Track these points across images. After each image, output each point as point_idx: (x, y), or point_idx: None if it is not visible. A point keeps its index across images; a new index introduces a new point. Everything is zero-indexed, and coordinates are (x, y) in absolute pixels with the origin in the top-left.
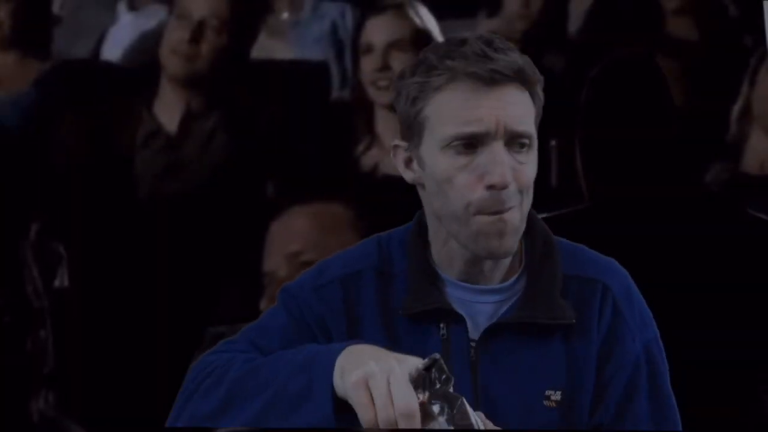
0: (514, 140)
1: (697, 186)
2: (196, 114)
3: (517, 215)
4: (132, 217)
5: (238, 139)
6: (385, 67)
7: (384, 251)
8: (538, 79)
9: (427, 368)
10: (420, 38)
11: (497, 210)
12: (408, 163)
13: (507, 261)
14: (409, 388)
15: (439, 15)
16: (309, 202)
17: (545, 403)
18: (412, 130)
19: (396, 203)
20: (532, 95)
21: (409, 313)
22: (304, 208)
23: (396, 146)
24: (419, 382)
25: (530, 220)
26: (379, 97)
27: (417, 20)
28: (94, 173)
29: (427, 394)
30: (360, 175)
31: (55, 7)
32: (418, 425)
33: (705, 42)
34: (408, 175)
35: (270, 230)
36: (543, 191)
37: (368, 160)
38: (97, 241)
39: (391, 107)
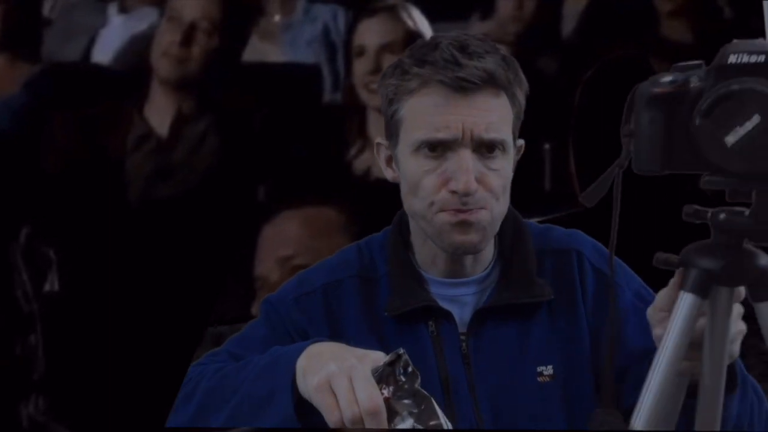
0: (483, 146)
1: (692, 189)
2: (187, 117)
3: (485, 216)
4: (123, 221)
5: (230, 142)
6: (377, 69)
7: (365, 257)
8: (517, 82)
9: (391, 363)
10: (412, 41)
11: (458, 209)
12: (389, 161)
13: (488, 254)
14: (373, 385)
15: (432, 17)
16: (301, 206)
17: (539, 379)
18: (390, 130)
19: (388, 207)
20: (511, 99)
21: (395, 313)
22: (296, 212)
23: (379, 144)
24: (383, 377)
25: None
26: (372, 100)
27: (409, 22)
28: (84, 177)
29: (391, 389)
30: (352, 179)
31: (45, 10)
32: (384, 423)
33: (699, 45)
34: (388, 174)
35: (262, 234)
36: (537, 195)
37: (360, 163)
38: (87, 246)
39: None
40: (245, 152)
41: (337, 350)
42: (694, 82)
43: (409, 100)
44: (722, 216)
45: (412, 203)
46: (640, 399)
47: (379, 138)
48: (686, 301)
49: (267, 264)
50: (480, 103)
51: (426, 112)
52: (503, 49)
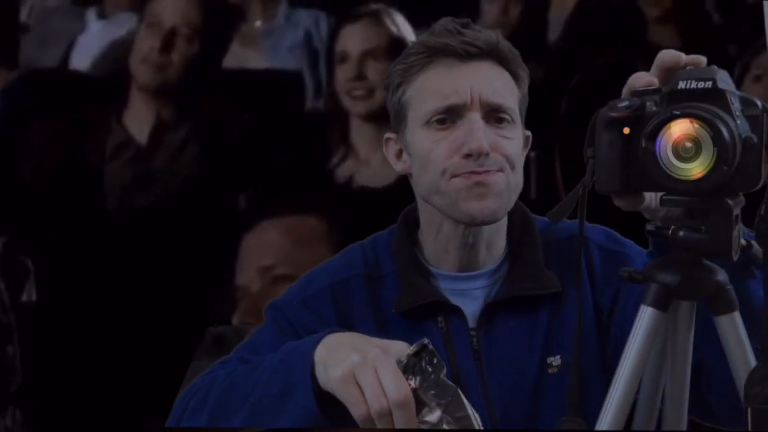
0: (492, 113)
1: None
2: (167, 124)
3: (501, 179)
4: (101, 230)
5: (210, 150)
6: (360, 76)
7: (369, 255)
8: (519, 65)
9: (416, 354)
10: (396, 46)
11: (473, 171)
12: (399, 155)
13: (500, 245)
14: (400, 376)
15: (416, 23)
16: (282, 214)
17: (549, 371)
18: (398, 117)
19: (371, 215)
20: (514, 77)
21: (403, 309)
22: (277, 221)
23: (388, 139)
24: (408, 368)
25: None
26: (355, 107)
27: (393, 28)
28: (62, 185)
29: (418, 380)
30: (334, 187)
31: (23, 15)
32: (413, 415)
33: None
34: (398, 167)
35: (242, 244)
36: (523, 203)
37: (343, 171)
38: (65, 255)
39: (367, 117)
40: (226, 160)
41: (356, 340)
42: (650, 107)
43: (416, 78)
44: (681, 233)
45: (423, 180)
46: (603, 410)
47: (387, 134)
48: (647, 314)
49: (248, 274)
50: (485, 70)
51: (434, 82)
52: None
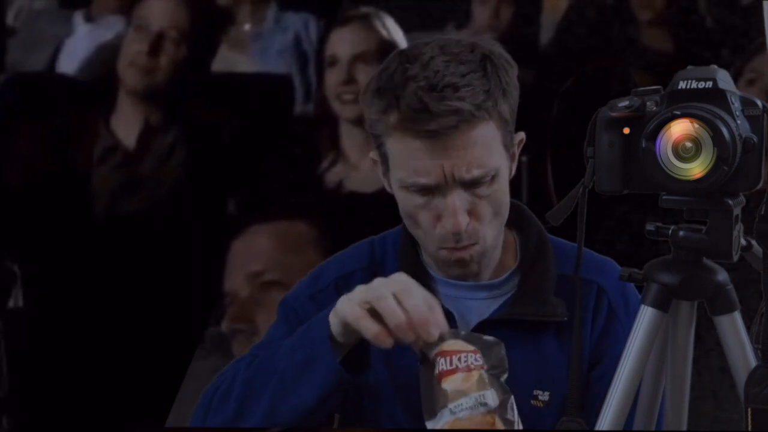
0: (471, 183)
1: None
2: (155, 129)
3: (477, 250)
4: (88, 235)
5: (199, 155)
6: (350, 80)
7: (377, 252)
8: (500, 91)
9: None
10: (386, 50)
11: (453, 247)
12: (386, 175)
13: (497, 256)
14: (425, 294)
15: (406, 26)
16: (271, 220)
17: (532, 402)
18: (379, 155)
19: (361, 220)
20: (495, 118)
21: None
22: (267, 226)
23: (374, 161)
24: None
25: (524, 217)
26: (344, 111)
27: (383, 32)
28: (49, 189)
29: (488, 363)
30: (324, 192)
31: (9, 18)
32: (442, 321)
33: (680, 54)
34: (388, 188)
35: (231, 249)
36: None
37: (333, 176)
38: (52, 260)
39: (357, 122)
40: (214, 165)
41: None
42: (650, 107)
43: (390, 138)
44: (681, 233)
45: (413, 230)
46: (603, 409)
47: (372, 153)
48: (647, 314)
49: (237, 279)
50: (458, 144)
51: (405, 155)
52: (485, 46)
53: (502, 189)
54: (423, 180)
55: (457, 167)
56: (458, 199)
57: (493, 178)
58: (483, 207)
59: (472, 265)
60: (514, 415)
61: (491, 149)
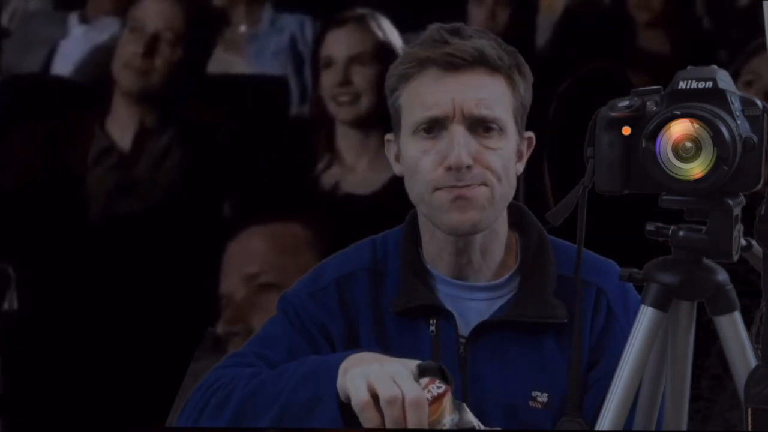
0: (477, 124)
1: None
2: (150, 130)
3: (484, 192)
4: (83, 237)
5: (194, 156)
6: (346, 81)
7: (378, 251)
8: (516, 68)
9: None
10: (382, 51)
11: (453, 185)
12: (397, 157)
13: (498, 256)
14: (415, 382)
15: (402, 27)
16: (267, 222)
17: (531, 403)
18: (394, 120)
19: (357, 222)
20: (508, 81)
21: (398, 309)
22: (262, 228)
23: (388, 140)
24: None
25: (525, 218)
26: (340, 112)
27: (379, 33)
28: (44, 191)
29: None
30: (320, 194)
31: (4, 20)
32: (425, 417)
33: (677, 56)
34: (396, 169)
35: (226, 251)
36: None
37: (328, 178)
38: (47, 262)
39: (352, 123)
40: (210, 166)
41: (379, 356)
42: (650, 107)
43: (407, 86)
44: (681, 233)
45: (413, 188)
46: (603, 409)
47: (387, 135)
48: (647, 314)
49: (232, 281)
50: (470, 80)
51: (420, 93)
52: (502, 42)
53: (508, 156)
54: (432, 112)
55: (466, 102)
56: (462, 136)
57: (501, 132)
58: (491, 157)
59: (471, 211)
60: (470, 418)
61: (502, 104)
